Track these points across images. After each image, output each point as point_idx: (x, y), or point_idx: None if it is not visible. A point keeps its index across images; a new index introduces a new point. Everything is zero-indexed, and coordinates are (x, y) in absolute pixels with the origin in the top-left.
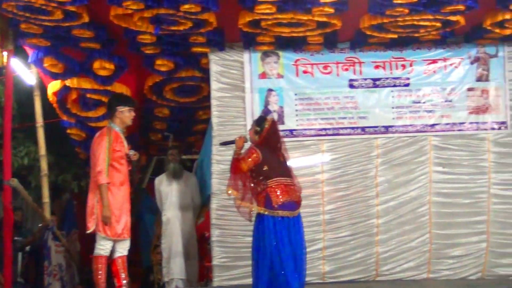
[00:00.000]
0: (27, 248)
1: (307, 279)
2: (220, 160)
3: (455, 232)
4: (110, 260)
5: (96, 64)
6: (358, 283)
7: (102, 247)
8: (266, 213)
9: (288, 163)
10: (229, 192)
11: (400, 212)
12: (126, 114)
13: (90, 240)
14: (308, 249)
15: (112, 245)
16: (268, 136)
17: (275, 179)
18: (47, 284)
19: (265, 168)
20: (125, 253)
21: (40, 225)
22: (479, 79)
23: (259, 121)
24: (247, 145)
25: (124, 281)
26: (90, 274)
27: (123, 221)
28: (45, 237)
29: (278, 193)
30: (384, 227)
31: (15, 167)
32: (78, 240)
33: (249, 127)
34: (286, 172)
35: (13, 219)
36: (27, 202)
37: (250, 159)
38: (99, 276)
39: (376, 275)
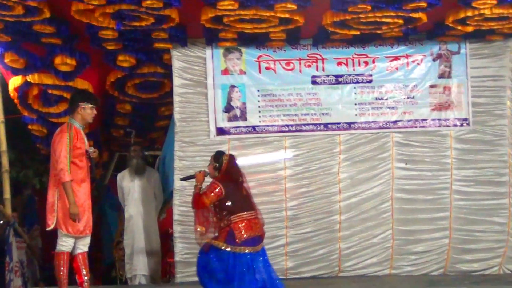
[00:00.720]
0: None
1: None
2: (182, 157)
3: (417, 228)
4: (72, 256)
5: (58, 60)
6: (320, 279)
7: (64, 244)
8: (228, 249)
9: (251, 196)
10: (198, 229)
11: (363, 209)
12: (87, 111)
13: (52, 236)
14: (271, 245)
15: (74, 242)
16: (227, 170)
17: (239, 214)
18: (8, 280)
19: (229, 203)
20: (86, 249)
21: (1, 221)
22: (441, 76)
23: (217, 157)
24: (208, 179)
25: (86, 277)
26: (52, 270)
27: (84, 218)
28: (6, 234)
29: (241, 229)
30: (346, 223)
31: None
32: (39, 236)
33: (212, 123)
34: (250, 206)
35: None
36: None
37: (212, 194)
38: (61, 273)
39: (339, 271)
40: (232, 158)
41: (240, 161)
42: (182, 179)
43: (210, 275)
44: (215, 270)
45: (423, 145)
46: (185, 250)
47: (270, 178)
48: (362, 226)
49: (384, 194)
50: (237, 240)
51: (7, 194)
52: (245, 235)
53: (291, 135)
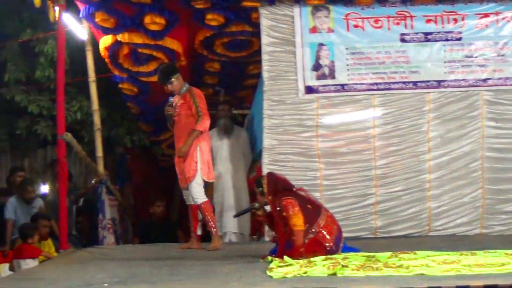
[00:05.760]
0: (81, 202)
1: (360, 233)
2: (271, 115)
3: (508, 187)
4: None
5: (147, 19)
6: (410, 238)
7: None
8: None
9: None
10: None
11: (453, 167)
12: None
13: (143, 194)
14: (360, 204)
15: None
16: (273, 188)
17: (319, 219)
18: (102, 237)
19: (309, 206)
20: None
21: (94, 179)
22: None
23: (258, 184)
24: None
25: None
26: (144, 228)
27: None
28: (99, 191)
29: (325, 234)
30: (436, 182)
31: (68, 122)
32: (131, 194)
33: (300, 82)
34: (318, 208)
35: (67, 172)
36: (81, 157)
37: (296, 209)
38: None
39: (428, 230)
40: (270, 175)
41: (329, 120)
42: (235, 216)
43: None
44: None
45: None
46: None
47: (359, 136)
48: (452, 185)
49: (474, 153)
50: (327, 247)
51: (99, 152)
52: (329, 238)
53: (380, 93)
